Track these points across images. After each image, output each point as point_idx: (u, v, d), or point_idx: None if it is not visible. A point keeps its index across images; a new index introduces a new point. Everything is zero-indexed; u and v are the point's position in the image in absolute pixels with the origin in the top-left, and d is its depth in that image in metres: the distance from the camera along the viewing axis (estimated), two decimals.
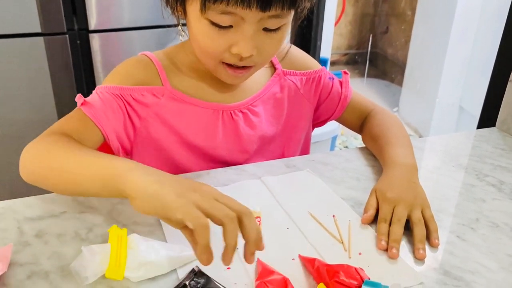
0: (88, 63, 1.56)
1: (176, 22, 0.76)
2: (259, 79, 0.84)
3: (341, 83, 0.91)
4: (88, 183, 0.57)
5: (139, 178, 0.52)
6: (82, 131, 0.70)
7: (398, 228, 0.61)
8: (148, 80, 0.76)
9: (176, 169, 0.80)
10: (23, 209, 0.65)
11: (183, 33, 0.77)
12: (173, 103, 0.77)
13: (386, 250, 0.59)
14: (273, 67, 0.86)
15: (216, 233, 0.48)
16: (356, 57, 4.02)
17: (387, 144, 0.79)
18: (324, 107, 0.91)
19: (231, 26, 0.66)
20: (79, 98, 0.73)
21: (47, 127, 0.78)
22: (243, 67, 0.72)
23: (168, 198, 0.48)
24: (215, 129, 0.79)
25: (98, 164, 0.57)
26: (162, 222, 0.63)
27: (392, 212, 0.64)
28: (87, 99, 0.73)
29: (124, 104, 0.74)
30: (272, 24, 0.67)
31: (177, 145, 0.79)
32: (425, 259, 0.58)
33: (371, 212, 0.65)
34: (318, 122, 0.95)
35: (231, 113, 0.79)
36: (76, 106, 0.74)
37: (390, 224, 0.63)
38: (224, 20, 0.65)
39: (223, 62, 0.71)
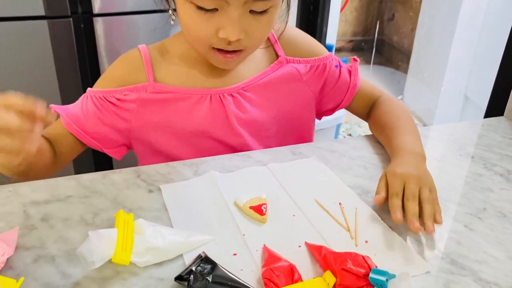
0: (92, 47, 1.54)
1: (167, 6, 0.77)
2: (257, 64, 0.84)
3: (349, 71, 0.90)
4: None
5: None
6: (56, 137, 0.78)
7: (414, 204, 0.60)
8: (133, 78, 0.79)
9: (172, 159, 0.80)
10: (29, 193, 0.65)
11: (174, 17, 0.77)
12: (155, 95, 0.78)
13: (402, 222, 0.59)
14: (276, 54, 0.85)
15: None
16: (363, 44, 3.99)
17: (395, 132, 0.78)
18: (332, 96, 0.90)
19: (216, 9, 0.66)
20: (53, 111, 0.78)
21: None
22: (234, 51, 0.72)
23: None
24: (201, 112, 0.79)
25: None
26: (169, 208, 0.63)
27: (404, 189, 0.63)
28: (71, 105, 0.80)
29: (109, 106, 0.78)
30: (258, 6, 0.67)
31: (167, 134, 0.80)
32: (432, 248, 0.58)
33: (383, 194, 0.64)
34: (325, 110, 0.94)
35: (220, 97, 0.79)
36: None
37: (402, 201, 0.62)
38: (208, 3, 0.65)
39: (213, 48, 0.72)
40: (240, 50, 0.73)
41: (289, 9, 0.80)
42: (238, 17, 0.66)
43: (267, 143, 0.85)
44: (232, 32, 0.67)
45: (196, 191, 0.67)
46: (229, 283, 0.50)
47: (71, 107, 0.80)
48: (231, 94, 0.80)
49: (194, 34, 0.72)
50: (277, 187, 0.69)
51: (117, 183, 0.69)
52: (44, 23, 1.43)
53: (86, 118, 0.78)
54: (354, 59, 0.90)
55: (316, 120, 0.95)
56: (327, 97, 0.90)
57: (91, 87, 0.81)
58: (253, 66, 0.83)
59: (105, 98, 0.78)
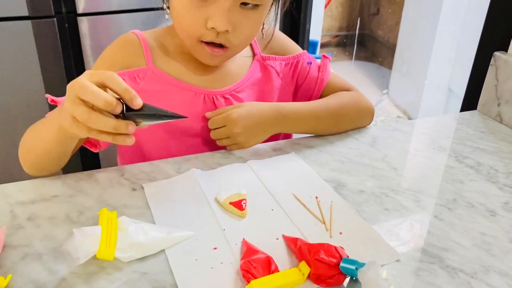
0: (77, 46, 1.55)
1: (162, 2, 0.78)
2: (241, 65, 0.86)
3: (319, 67, 0.92)
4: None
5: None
6: None
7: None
8: (132, 62, 0.79)
9: (155, 152, 0.82)
10: (15, 193, 0.67)
11: (169, 12, 0.79)
12: (153, 85, 0.79)
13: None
14: (252, 51, 0.88)
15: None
16: (345, 40, 4.02)
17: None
18: (302, 92, 0.93)
19: None
20: (51, 101, 0.76)
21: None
22: (221, 47, 0.74)
23: None
24: (194, 112, 0.80)
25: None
26: (151, 205, 0.65)
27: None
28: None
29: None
30: None
31: (158, 130, 0.80)
32: (403, 238, 0.61)
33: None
34: None
35: (213, 98, 0.81)
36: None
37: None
38: None
39: (201, 41, 0.74)
40: (226, 47, 0.75)
41: (277, 18, 0.82)
42: (228, 8, 0.69)
43: None
44: (220, 22, 0.69)
45: (177, 188, 0.69)
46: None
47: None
48: (223, 96, 0.82)
49: (184, 24, 0.73)
50: (256, 182, 0.72)
51: (102, 182, 0.71)
52: (28, 23, 1.44)
53: None
54: (324, 56, 0.93)
55: None
56: (299, 93, 0.93)
57: None
58: (240, 66, 0.86)
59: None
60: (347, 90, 0.92)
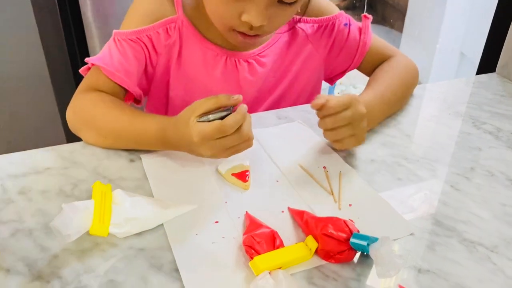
0: (77, 14, 1.50)
1: None
2: None
3: (360, 29, 0.84)
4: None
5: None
6: (110, 87, 0.72)
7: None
8: (163, 11, 0.75)
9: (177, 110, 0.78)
10: (6, 166, 0.64)
11: None
12: (181, 37, 0.76)
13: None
14: None
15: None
16: (354, 2, 3.90)
17: (370, 84, 0.77)
18: (342, 57, 0.86)
19: None
20: (91, 64, 0.73)
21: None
22: (254, 35, 0.70)
23: None
24: (214, 73, 0.78)
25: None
26: (149, 177, 0.62)
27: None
28: (104, 54, 0.72)
29: (142, 47, 0.74)
30: None
31: (181, 85, 0.79)
32: (418, 210, 0.57)
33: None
34: (336, 74, 0.90)
35: (235, 61, 0.78)
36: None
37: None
38: None
39: (234, 30, 0.70)
40: (258, 35, 0.71)
41: None
42: (266, 5, 0.65)
43: (271, 108, 0.84)
44: (256, 18, 0.65)
45: (177, 159, 0.66)
46: None
47: (107, 56, 0.72)
48: (246, 60, 0.79)
49: (217, 13, 0.70)
50: (260, 152, 0.68)
51: (97, 153, 0.67)
52: None
53: (129, 63, 0.72)
54: (365, 16, 0.84)
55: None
56: (337, 58, 0.86)
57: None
58: None
59: (139, 39, 0.73)
60: (390, 54, 0.85)
